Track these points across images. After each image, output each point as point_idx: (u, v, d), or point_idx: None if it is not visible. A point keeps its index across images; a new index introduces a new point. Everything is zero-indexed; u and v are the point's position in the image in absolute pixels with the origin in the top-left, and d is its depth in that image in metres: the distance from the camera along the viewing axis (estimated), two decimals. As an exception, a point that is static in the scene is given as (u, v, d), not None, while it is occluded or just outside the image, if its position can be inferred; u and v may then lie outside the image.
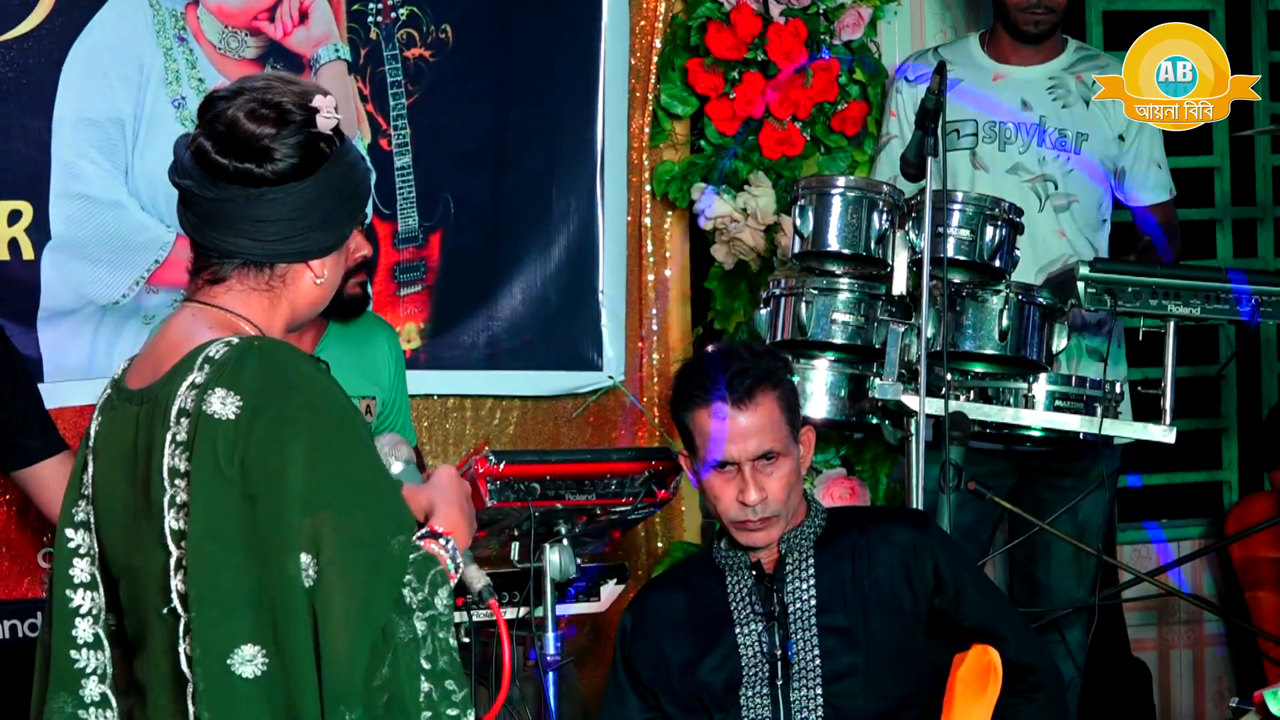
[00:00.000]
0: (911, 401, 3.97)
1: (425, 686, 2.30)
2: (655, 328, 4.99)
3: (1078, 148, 4.61)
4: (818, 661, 3.28)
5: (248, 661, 2.27)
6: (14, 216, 4.17)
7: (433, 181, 4.71)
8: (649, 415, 4.92)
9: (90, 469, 2.47)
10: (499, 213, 4.83)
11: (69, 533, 2.49)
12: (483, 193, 4.80)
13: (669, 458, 3.70)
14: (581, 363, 4.88)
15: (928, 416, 3.94)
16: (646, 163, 4.97)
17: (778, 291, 4.17)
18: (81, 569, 2.49)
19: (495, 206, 4.82)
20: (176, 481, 2.33)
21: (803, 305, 4.10)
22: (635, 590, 3.76)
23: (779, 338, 4.16)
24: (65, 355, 4.23)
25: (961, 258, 4.07)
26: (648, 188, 4.96)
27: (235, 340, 2.36)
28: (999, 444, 4.43)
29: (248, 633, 2.27)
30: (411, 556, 2.33)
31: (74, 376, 4.24)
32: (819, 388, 4.16)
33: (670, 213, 5.00)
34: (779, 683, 3.29)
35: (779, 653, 3.30)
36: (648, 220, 4.99)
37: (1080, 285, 4.12)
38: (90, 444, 2.49)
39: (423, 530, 2.41)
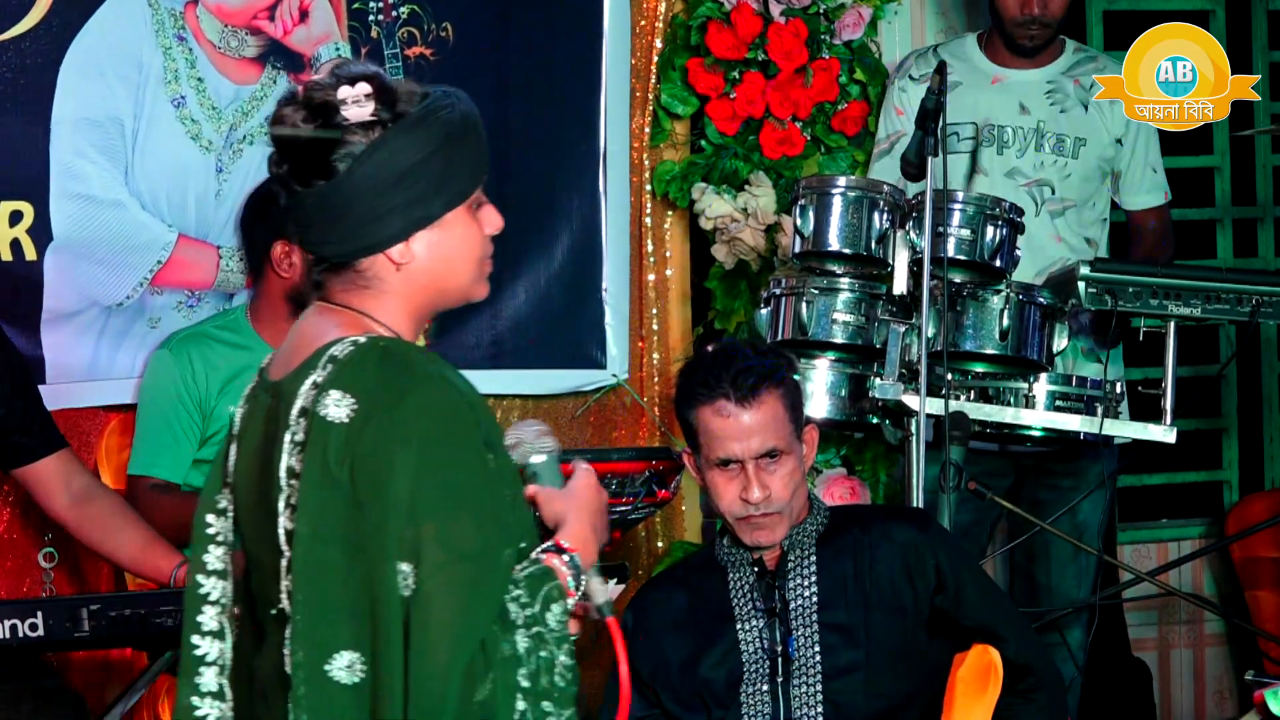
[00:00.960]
0: (912, 401, 3.98)
1: (521, 705, 2.27)
2: (655, 327, 4.98)
3: (1075, 152, 4.60)
4: (818, 658, 3.29)
5: (345, 668, 2.25)
6: (15, 217, 4.16)
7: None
8: (651, 414, 4.92)
9: (232, 456, 2.46)
10: (501, 212, 4.81)
11: (209, 518, 2.49)
12: (484, 191, 4.79)
13: (669, 457, 3.70)
14: (585, 361, 4.88)
15: (928, 416, 3.94)
16: (646, 163, 4.97)
17: (778, 291, 4.17)
18: (216, 556, 2.48)
19: (497, 205, 4.80)
20: (292, 482, 2.32)
21: (803, 305, 4.10)
22: (636, 590, 3.76)
23: (779, 337, 4.16)
24: (68, 357, 4.22)
25: (962, 257, 4.07)
26: (648, 188, 4.96)
27: (362, 340, 2.35)
28: (994, 444, 4.43)
29: (347, 639, 2.25)
30: (526, 570, 2.31)
31: (76, 378, 4.24)
32: (819, 387, 4.16)
33: (670, 213, 5.00)
34: (779, 679, 3.29)
35: (780, 649, 3.30)
36: (648, 220, 4.99)
37: (1080, 285, 4.12)
38: (233, 430, 2.48)
39: (547, 544, 2.38)
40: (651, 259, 5.00)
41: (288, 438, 2.33)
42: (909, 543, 3.37)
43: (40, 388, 3.85)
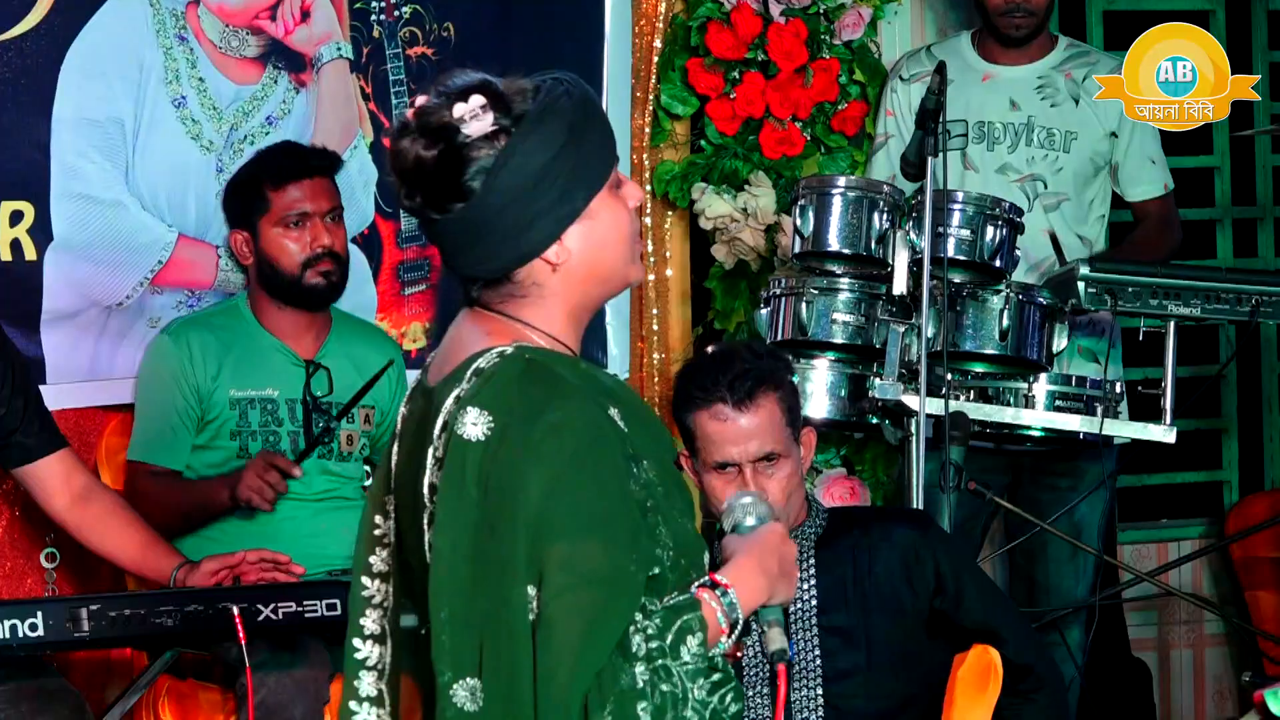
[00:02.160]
0: (911, 401, 3.98)
1: None
2: (655, 327, 4.99)
3: (1066, 146, 4.61)
4: (818, 661, 3.29)
5: (468, 694, 2.20)
6: (16, 217, 4.16)
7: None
8: (649, 415, 4.92)
9: (394, 456, 2.41)
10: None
11: (376, 519, 2.44)
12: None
13: (669, 458, 3.70)
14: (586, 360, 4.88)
15: (928, 416, 3.94)
16: (646, 163, 4.97)
17: (778, 291, 4.18)
18: (381, 558, 2.43)
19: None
20: (433, 498, 2.27)
21: (803, 305, 4.10)
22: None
23: (779, 338, 4.16)
24: (68, 357, 4.22)
25: (962, 258, 4.07)
26: (648, 188, 4.96)
27: (509, 350, 2.29)
28: (990, 443, 4.43)
29: (471, 664, 2.20)
30: (671, 601, 2.24)
31: (76, 378, 4.24)
32: (819, 388, 4.17)
33: (670, 213, 5.00)
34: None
35: (779, 652, 3.30)
36: (648, 220, 4.99)
37: (1080, 285, 4.13)
38: (396, 429, 2.43)
39: (704, 579, 2.30)
40: (651, 259, 5.00)
41: (430, 453, 2.28)
42: (908, 544, 3.37)
43: (40, 388, 3.84)
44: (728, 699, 2.24)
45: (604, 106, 4.90)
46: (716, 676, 2.23)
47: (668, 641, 2.20)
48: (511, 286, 2.35)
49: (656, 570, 2.25)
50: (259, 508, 3.90)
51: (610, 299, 2.46)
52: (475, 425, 2.23)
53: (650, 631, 2.20)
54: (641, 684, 2.18)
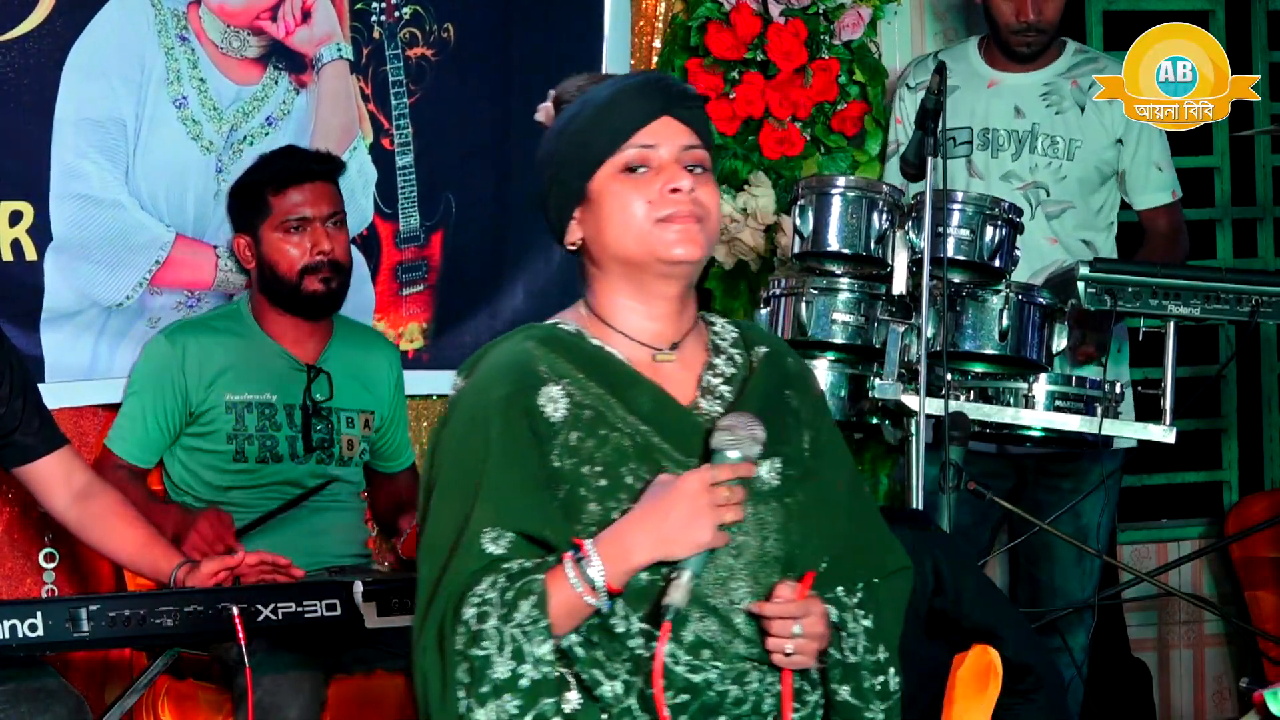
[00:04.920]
0: (911, 401, 3.98)
1: (462, 695, 2.35)
2: (656, 327, 4.98)
3: (1070, 154, 4.60)
4: (817, 662, 3.28)
5: None
6: (15, 217, 4.16)
7: (435, 181, 4.71)
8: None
9: None
10: (501, 212, 4.83)
11: None
12: (484, 192, 4.80)
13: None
14: (584, 361, 4.88)
15: (928, 416, 3.94)
16: (647, 163, 4.96)
17: (778, 291, 4.18)
18: None
19: (497, 205, 4.82)
20: None
21: (803, 305, 4.10)
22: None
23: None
24: (68, 357, 4.22)
25: (961, 258, 4.07)
26: (648, 188, 4.96)
27: (517, 332, 2.55)
28: (993, 445, 4.43)
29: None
30: (525, 565, 2.37)
31: (76, 377, 4.24)
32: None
33: (670, 213, 4.99)
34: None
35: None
36: (648, 220, 4.99)
37: (1080, 285, 4.13)
38: None
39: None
40: (651, 259, 4.99)
41: None
42: (907, 544, 3.34)
43: (40, 387, 3.84)
44: (552, 674, 2.36)
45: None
46: (544, 649, 2.34)
47: (505, 607, 2.34)
48: (581, 268, 2.57)
49: (549, 536, 2.39)
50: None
51: (671, 276, 2.52)
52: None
53: (490, 596, 2.34)
54: (461, 645, 2.34)
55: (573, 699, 2.41)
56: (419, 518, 2.49)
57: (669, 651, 2.40)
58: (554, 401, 2.45)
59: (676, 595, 2.37)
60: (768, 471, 2.50)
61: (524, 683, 2.34)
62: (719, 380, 2.54)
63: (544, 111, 2.58)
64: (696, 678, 2.41)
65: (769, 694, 2.46)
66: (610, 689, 2.41)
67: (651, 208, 2.47)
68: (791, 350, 2.65)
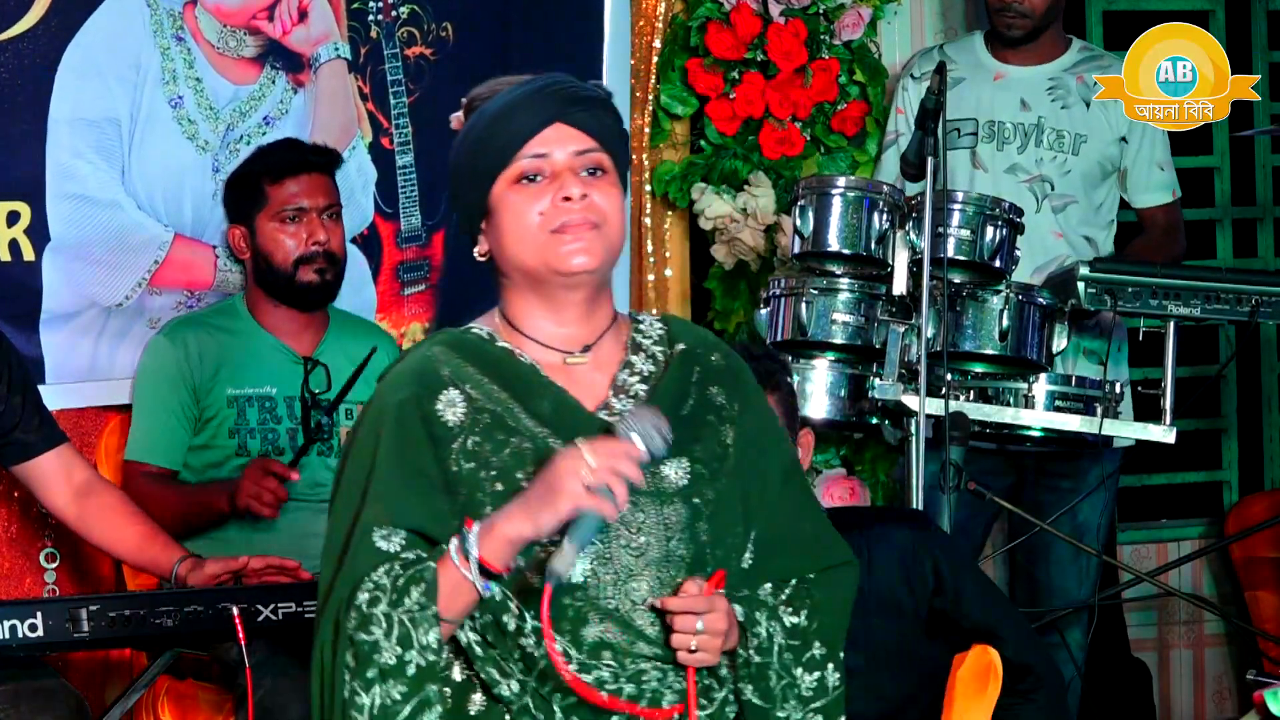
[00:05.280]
0: (911, 401, 3.98)
1: (348, 679, 2.36)
2: (655, 327, 4.98)
3: (1075, 149, 4.60)
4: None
5: None
6: (13, 217, 4.16)
7: (435, 180, 4.70)
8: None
9: None
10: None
11: None
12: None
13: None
14: (586, 360, 4.88)
15: (928, 416, 3.94)
16: (646, 163, 4.97)
17: (778, 291, 4.17)
18: None
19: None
20: None
21: (803, 305, 4.10)
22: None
23: (779, 338, 4.15)
24: (68, 357, 4.22)
25: (961, 258, 4.07)
26: (647, 188, 4.96)
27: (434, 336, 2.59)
28: (993, 444, 4.43)
29: None
30: (403, 559, 2.37)
31: (76, 378, 4.23)
32: (819, 388, 4.16)
33: (670, 213, 5.00)
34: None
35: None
36: (648, 220, 4.99)
37: (1080, 285, 4.13)
38: None
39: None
40: (651, 259, 5.00)
41: None
42: (907, 545, 3.36)
43: (40, 388, 3.84)
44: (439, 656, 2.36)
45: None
46: (431, 636, 2.34)
47: (396, 593, 2.35)
48: (493, 275, 2.56)
49: (440, 535, 2.39)
50: (259, 514, 3.89)
51: (574, 285, 2.50)
52: None
53: (383, 583, 2.35)
54: (351, 628, 2.34)
55: (478, 700, 2.42)
56: None
57: (561, 649, 2.39)
58: (452, 406, 2.44)
59: (558, 563, 2.34)
60: (675, 471, 2.47)
61: (410, 670, 2.34)
62: (635, 379, 2.52)
63: (455, 120, 2.56)
64: (588, 677, 2.39)
65: (669, 691, 2.44)
66: (507, 687, 2.40)
67: (545, 219, 2.46)
68: (721, 345, 2.62)
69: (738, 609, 2.47)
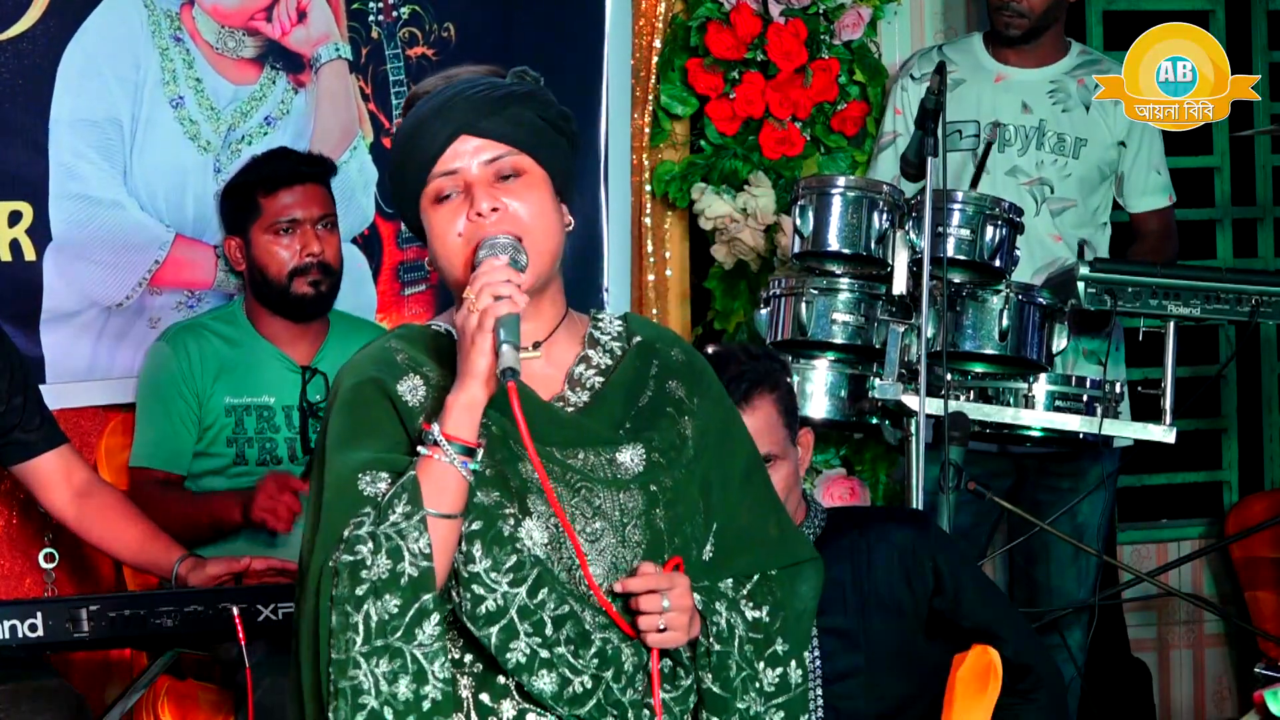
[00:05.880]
0: (911, 401, 3.98)
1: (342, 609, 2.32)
2: (655, 327, 4.98)
3: (1075, 152, 4.60)
4: (818, 663, 3.28)
5: None
6: (14, 217, 4.16)
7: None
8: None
9: None
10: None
11: None
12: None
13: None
14: (587, 360, 4.88)
15: (928, 416, 3.94)
16: (646, 163, 4.97)
17: (778, 291, 4.18)
18: None
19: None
20: None
21: (803, 305, 4.10)
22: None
23: (779, 338, 4.16)
24: (68, 357, 4.22)
25: (961, 258, 4.07)
26: (648, 188, 4.96)
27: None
28: (994, 444, 4.43)
29: None
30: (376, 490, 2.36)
31: (76, 378, 4.24)
32: (819, 388, 4.16)
33: (670, 213, 5.00)
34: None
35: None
36: (648, 220, 4.99)
37: (1080, 285, 4.13)
38: None
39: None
40: (651, 259, 5.00)
41: None
42: (906, 545, 3.36)
43: (40, 388, 3.84)
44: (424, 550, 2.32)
45: (604, 106, 4.91)
46: (423, 542, 2.31)
47: (380, 512, 2.32)
48: None
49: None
50: (274, 528, 3.87)
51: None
52: None
53: (368, 512, 2.32)
54: (335, 560, 2.31)
55: None
56: None
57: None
58: (414, 391, 2.43)
59: (506, 360, 2.33)
60: (631, 458, 2.47)
61: (403, 580, 2.30)
62: (591, 371, 2.52)
63: (398, 124, 2.58)
64: (555, 653, 2.38)
65: (639, 673, 2.43)
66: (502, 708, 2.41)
67: (465, 238, 2.45)
68: (681, 341, 2.62)
69: (696, 598, 2.47)
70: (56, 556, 4.22)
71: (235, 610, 3.34)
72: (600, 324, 2.59)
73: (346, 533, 2.31)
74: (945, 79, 4.03)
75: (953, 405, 4.00)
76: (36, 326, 4.18)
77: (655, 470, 2.47)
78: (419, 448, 2.35)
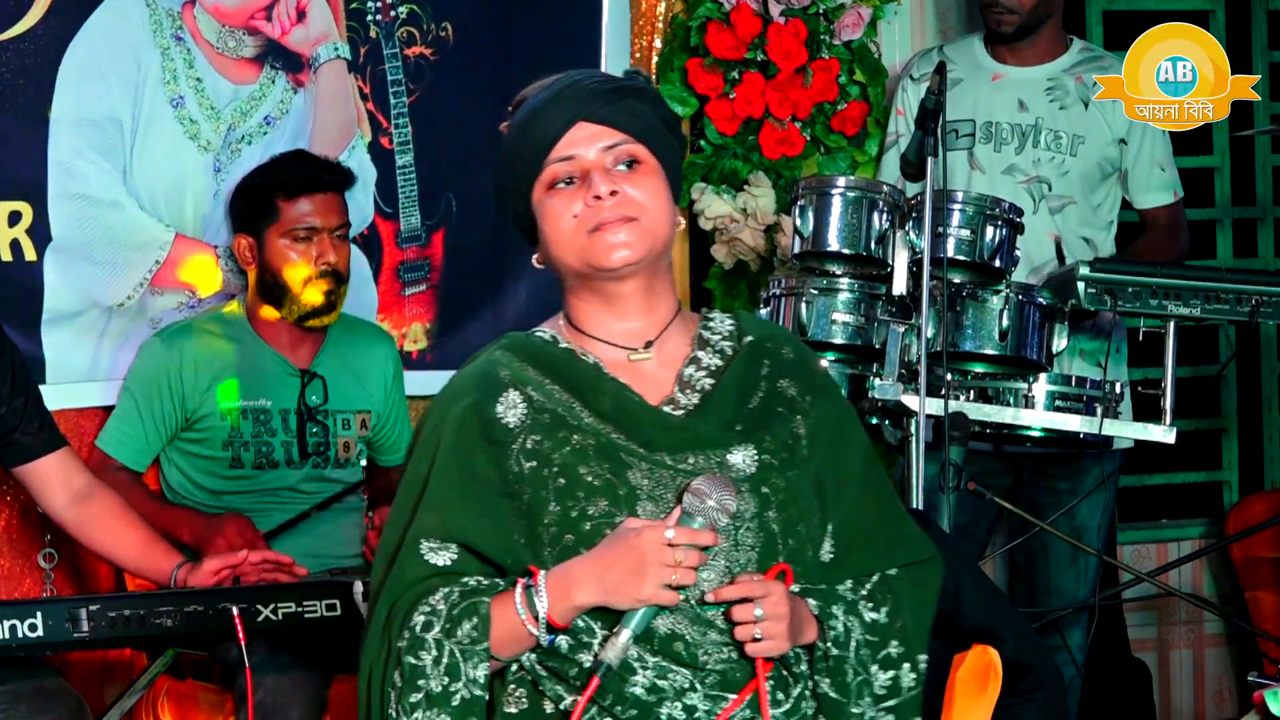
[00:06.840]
0: (911, 401, 3.98)
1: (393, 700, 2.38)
2: (655, 327, 4.98)
3: (1073, 150, 4.60)
4: (818, 662, 3.28)
5: None
6: (14, 217, 4.16)
7: (435, 180, 4.71)
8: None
9: None
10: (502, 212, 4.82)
11: None
12: (485, 191, 4.79)
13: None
14: (587, 360, 4.88)
15: (928, 416, 3.94)
16: (646, 162, 4.96)
17: (778, 291, 4.17)
18: None
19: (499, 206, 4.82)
20: None
21: (803, 305, 4.10)
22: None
23: (779, 338, 4.15)
24: (69, 357, 4.22)
25: (961, 258, 4.07)
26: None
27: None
28: (991, 444, 4.43)
29: None
30: (476, 584, 2.38)
31: (77, 378, 4.24)
32: (819, 388, 4.16)
33: (670, 212, 4.99)
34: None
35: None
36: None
37: (1080, 285, 4.12)
38: None
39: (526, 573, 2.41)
40: (651, 259, 4.99)
41: None
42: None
43: (40, 388, 3.84)
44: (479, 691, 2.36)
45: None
46: (480, 671, 2.35)
47: (450, 622, 2.36)
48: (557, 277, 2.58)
49: (487, 549, 2.41)
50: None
51: (618, 280, 2.51)
52: None
53: (440, 608, 2.36)
54: (403, 646, 2.36)
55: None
56: None
57: (636, 654, 2.39)
58: (513, 408, 2.45)
59: (610, 652, 2.36)
60: (742, 459, 2.47)
61: (455, 700, 2.35)
62: (702, 373, 2.52)
63: (505, 127, 2.57)
64: (664, 683, 2.40)
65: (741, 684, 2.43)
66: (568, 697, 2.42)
67: (581, 221, 2.47)
68: (792, 339, 2.62)
69: (811, 602, 2.46)
70: (55, 557, 4.22)
71: (235, 610, 3.34)
72: (711, 324, 2.59)
73: (420, 620, 2.37)
74: (945, 79, 4.03)
75: (953, 405, 4.00)
76: (37, 327, 4.18)
77: (767, 471, 2.47)
78: (516, 595, 2.37)
